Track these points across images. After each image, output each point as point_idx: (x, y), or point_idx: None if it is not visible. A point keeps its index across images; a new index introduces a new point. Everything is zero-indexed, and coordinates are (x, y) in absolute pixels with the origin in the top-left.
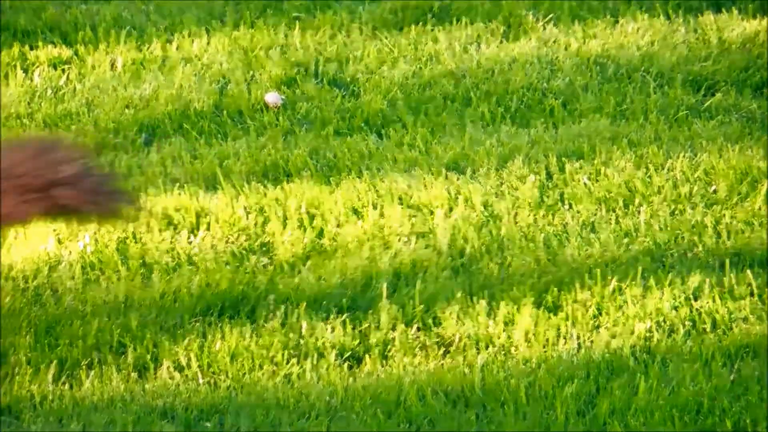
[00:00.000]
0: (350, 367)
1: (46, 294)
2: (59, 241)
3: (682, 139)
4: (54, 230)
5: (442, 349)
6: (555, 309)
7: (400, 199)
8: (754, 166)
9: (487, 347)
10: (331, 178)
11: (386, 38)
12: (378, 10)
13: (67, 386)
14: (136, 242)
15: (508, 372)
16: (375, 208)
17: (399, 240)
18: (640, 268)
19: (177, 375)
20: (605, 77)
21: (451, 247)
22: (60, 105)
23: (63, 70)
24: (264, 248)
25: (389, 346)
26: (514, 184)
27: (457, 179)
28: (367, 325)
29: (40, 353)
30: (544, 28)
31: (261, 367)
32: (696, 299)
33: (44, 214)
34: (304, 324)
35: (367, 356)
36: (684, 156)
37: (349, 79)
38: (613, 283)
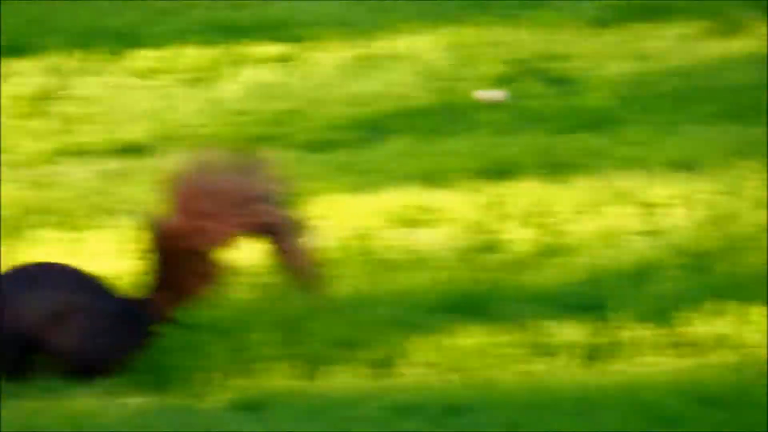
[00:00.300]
0: (588, 366)
1: (288, 289)
2: None
3: None
4: None
5: (683, 348)
6: None
7: (628, 196)
8: None
9: (733, 348)
10: (556, 176)
11: (605, 35)
12: (596, 6)
13: (312, 381)
14: (368, 239)
15: (762, 373)
16: (603, 206)
17: (630, 238)
18: None
19: (420, 372)
20: None
21: (684, 246)
22: (283, 101)
23: (285, 68)
24: (494, 246)
25: (627, 345)
26: (745, 183)
27: (686, 177)
28: (603, 323)
29: (285, 349)
30: (766, 27)
31: (501, 364)
32: None
33: (246, 233)
34: (541, 322)
35: (604, 354)
36: None
37: (568, 77)
38: None
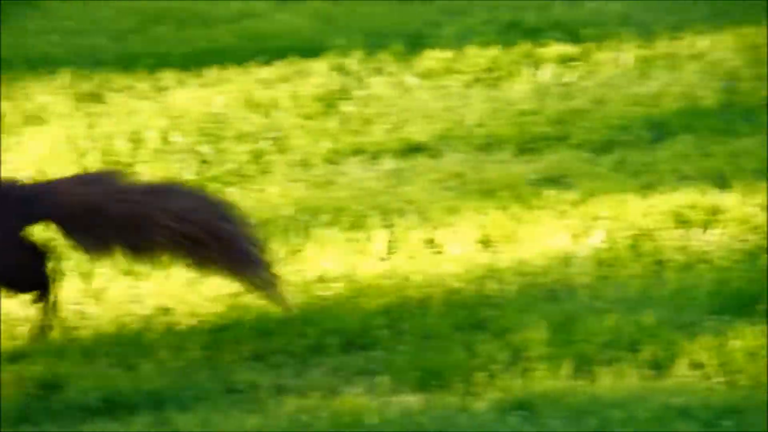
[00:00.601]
0: None
1: (560, 290)
2: (573, 237)
3: None
4: (567, 226)
5: None
6: None
7: None
8: None
9: None
10: None
11: None
12: None
13: (583, 382)
14: (649, 239)
15: None
16: None
17: None
18: None
19: (694, 373)
20: None
21: None
22: (568, 101)
23: (570, 67)
24: None
25: None
26: None
27: None
28: None
29: (555, 349)
30: None
31: None
32: None
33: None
34: None
35: None
36: None
37: None
38: None
